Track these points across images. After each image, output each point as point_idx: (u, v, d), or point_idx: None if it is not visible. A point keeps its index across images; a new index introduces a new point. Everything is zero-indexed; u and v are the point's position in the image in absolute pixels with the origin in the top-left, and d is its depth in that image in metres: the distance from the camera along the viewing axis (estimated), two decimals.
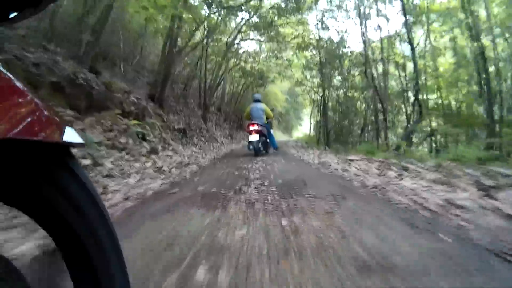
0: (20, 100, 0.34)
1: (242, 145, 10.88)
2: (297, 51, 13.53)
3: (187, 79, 10.87)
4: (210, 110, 12.97)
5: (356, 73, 11.98)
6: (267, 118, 6.33)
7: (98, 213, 0.45)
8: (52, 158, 0.39)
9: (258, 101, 6.35)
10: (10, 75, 0.35)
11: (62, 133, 0.39)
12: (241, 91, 16.19)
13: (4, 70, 0.34)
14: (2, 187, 0.36)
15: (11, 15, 0.38)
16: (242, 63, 14.44)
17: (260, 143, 5.71)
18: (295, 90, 21.90)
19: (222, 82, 14.46)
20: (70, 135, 0.41)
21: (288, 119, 29.99)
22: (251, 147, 5.74)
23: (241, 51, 14.38)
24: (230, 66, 14.69)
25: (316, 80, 14.72)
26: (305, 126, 34.58)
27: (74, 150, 0.46)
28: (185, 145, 7.01)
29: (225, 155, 6.75)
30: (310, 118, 14.48)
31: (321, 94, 13.16)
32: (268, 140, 6.27)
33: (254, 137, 5.67)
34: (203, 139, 8.75)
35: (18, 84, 0.35)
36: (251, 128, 5.75)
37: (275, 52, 15.04)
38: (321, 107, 13.11)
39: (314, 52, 12.76)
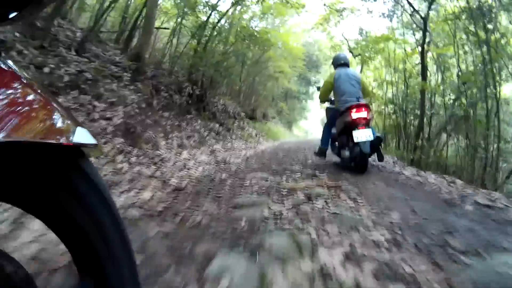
0: (31, 101, 0.33)
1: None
2: None
3: None
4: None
5: None
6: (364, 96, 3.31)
7: (110, 216, 0.43)
8: (63, 159, 0.38)
9: (345, 64, 3.34)
10: (22, 74, 0.33)
11: (72, 134, 0.37)
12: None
13: (15, 68, 0.32)
14: (12, 190, 0.35)
15: (11, 15, 0.35)
16: None
17: (370, 145, 2.81)
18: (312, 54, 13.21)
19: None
20: (82, 136, 0.39)
21: (293, 107, 18.27)
22: (361, 150, 2.76)
23: None
24: None
25: None
26: (311, 120, 24.33)
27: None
28: None
29: None
30: (385, 102, 6.15)
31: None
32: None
33: (365, 134, 2.77)
34: None
35: (29, 83, 0.33)
36: (355, 114, 2.84)
37: None
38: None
39: None
